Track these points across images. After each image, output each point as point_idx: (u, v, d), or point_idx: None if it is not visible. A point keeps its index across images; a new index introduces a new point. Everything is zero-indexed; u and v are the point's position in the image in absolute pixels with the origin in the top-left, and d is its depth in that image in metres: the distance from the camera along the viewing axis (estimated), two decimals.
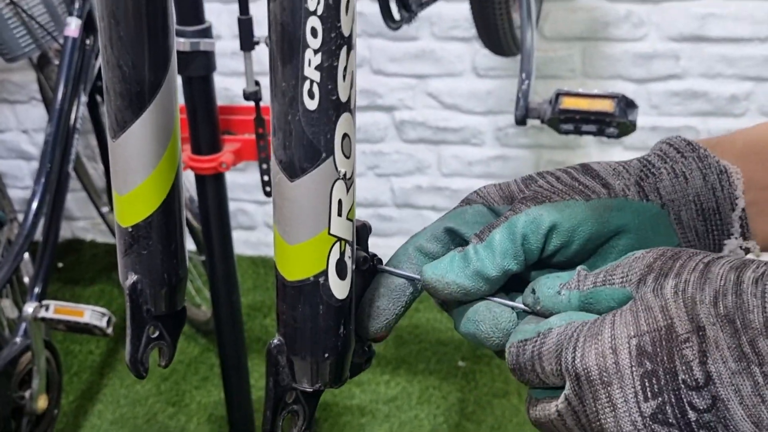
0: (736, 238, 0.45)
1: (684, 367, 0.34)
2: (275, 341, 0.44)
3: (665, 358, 0.35)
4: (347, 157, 0.40)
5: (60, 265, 2.41)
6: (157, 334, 0.48)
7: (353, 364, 0.47)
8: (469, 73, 2.12)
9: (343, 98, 0.39)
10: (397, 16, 1.30)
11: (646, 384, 0.35)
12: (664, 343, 0.35)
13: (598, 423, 0.36)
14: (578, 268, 0.41)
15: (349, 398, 1.88)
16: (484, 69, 2.10)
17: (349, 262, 0.42)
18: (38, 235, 1.58)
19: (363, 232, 0.46)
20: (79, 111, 1.62)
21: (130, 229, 0.45)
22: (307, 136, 0.39)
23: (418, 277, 0.45)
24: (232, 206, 2.16)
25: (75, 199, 2.42)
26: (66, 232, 2.53)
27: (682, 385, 0.34)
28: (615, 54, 2.05)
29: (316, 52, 0.38)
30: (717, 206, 0.44)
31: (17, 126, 2.40)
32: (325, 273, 0.42)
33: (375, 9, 2.03)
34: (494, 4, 1.30)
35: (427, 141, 2.21)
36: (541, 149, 2.17)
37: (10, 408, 1.43)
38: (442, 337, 2.07)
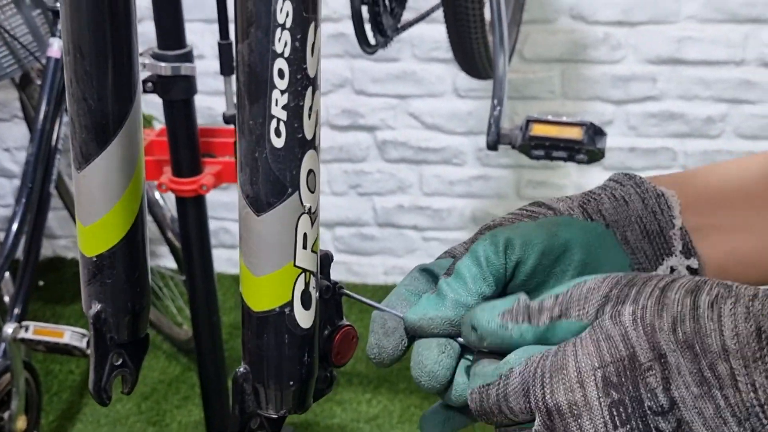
0: (676, 256, 0.46)
1: (649, 395, 0.36)
2: (241, 369, 0.46)
3: (630, 386, 0.36)
4: (312, 192, 0.41)
5: (41, 283, 2.40)
6: (120, 361, 0.49)
7: (316, 389, 0.48)
8: (450, 93, 2.14)
9: (309, 136, 0.40)
10: (372, 41, 1.32)
11: (614, 413, 0.36)
12: (628, 372, 0.36)
13: None
14: (518, 295, 0.41)
15: (330, 417, 1.88)
16: (464, 90, 2.12)
17: (313, 292, 0.43)
18: (18, 254, 1.58)
19: (325, 260, 0.47)
20: (61, 131, 1.63)
21: (94, 259, 0.46)
22: (274, 172, 0.41)
23: (377, 304, 0.45)
24: (214, 225, 2.16)
25: (56, 218, 2.42)
26: (47, 250, 2.52)
27: (648, 411, 0.36)
28: (594, 76, 2.08)
29: (282, 92, 0.39)
30: (660, 228, 0.46)
31: None
32: (290, 304, 0.43)
33: None
34: (470, 28, 1.32)
35: (408, 161, 2.22)
36: (522, 169, 2.19)
37: None
38: None
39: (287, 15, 0.38)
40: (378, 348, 0.45)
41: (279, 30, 0.38)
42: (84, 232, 0.46)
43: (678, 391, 0.35)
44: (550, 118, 1.20)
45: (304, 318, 0.44)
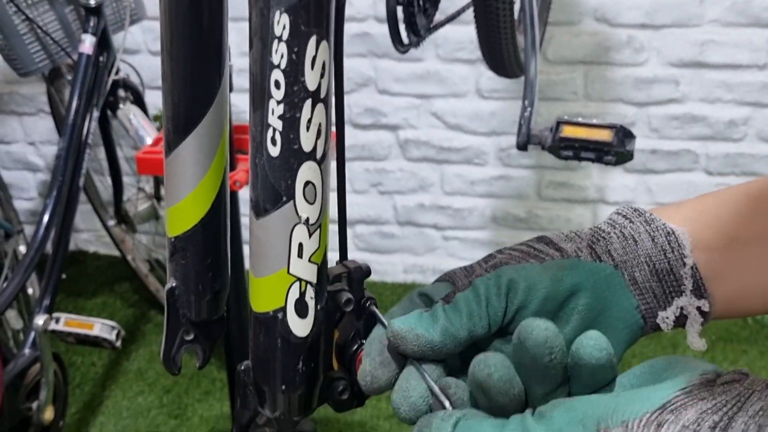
0: (687, 296, 0.44)
1: None
2: (244, 365, 0.47)
3: None
4: (310, 204, 0.42)
5: (63, 276, 2.42)
6: (191, 337, 0.50)
7: (341, 401, 0.48)
8: (472, 94, 2.15)
9: (306, 148, 0.41)
10: (406, 40, 1.33)
11: None
12: None
13: None
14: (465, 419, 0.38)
15: (350, 414, 1.90)
16: (487, 91, 2.13)
17: (311, 302, 0.43)
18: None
19: (357, 274, 0.47)
20: (91, 126, 1.64)
21: (173, 240, 0.48)
22: (270, 180, 0.41)
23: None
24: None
25: (79, 212, 2.43)
26: (69, 244, 2.54)
27: None
28: (616, 78, 2.08)
29: (279, 102, 0.40)
30: (670, 267, 0.44)
31: (24, 138, 2.43)
32: (283, 310, 0.43)
33: (381, 30, 2.07)
34: (500, 27, 1.33)
35: (430, 160, 2.24)
36: (543, 170, 2.20)
37: (17, 419, 1.44)
38: None
39: (284, 28, 0.39)
40: (371, 377, 0.43)
41: (276, 42, 0.39)
42: (168, 213, 0.48)
43: None
44: (580, 120, 1.21)
45: (299, 326, 0.44)
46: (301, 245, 0.42)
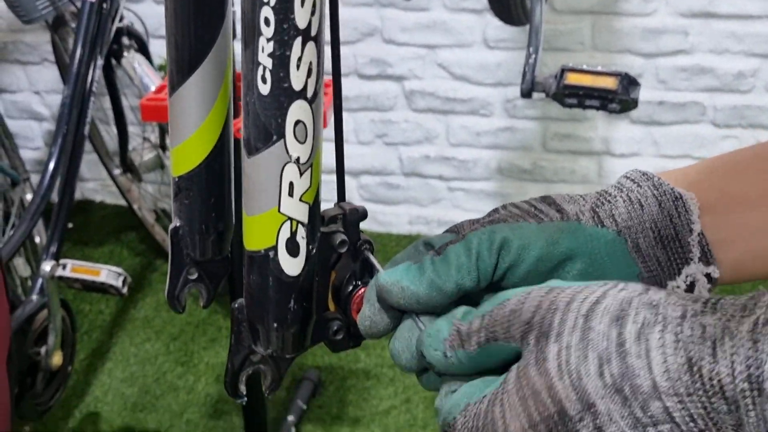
0: (695, 263, 0.44)
1: None
2: (238, 303, 0.47)
3: None
4: (301, 143, 0.42)
5: (70, 225, 2.44)
6: (195, 276, 0.51)
7: (337, 342, 0.49)
8: (479, 44, 2.13)
9: (297, 87, 0.41)
10: None
11: None
12: (559, 427, 0.35)
13: None
14: (455, 319, 0.40)
15: (355, 362, 1.92)
16: (494, 41, 2.11)
17: (302, 242, 0.44)
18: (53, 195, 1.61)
19: (353, 216, 0.47)
20: (95, 74, 1.64)
21: (177, 179, 0.48)
22: (260, 118, 0.41)
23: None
24: None
25: (85, 161, 2.44)
26: (76, 193, 2.56)
27: None
28: (624, 28, 2.06)
29: (268, 40, 0.40)
30: (675, 233, 0.44)
31: (29, 87, 2.42)
32: (274, 248, 0.43)
33: None
34: None
35: (436, 111, 2.23)
36: (549, 121, 2.19)
37: (26, 364, 1.47)
38: None
39: None
40: (371, 322, 0.44)
41: None
42: (172, 153, 0.48)
43: None
44: (584, 67, 1.21)
45: (290, 265, 0.44)
46: (291, 184, 0.42)
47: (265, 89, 0.41)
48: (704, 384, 0.32)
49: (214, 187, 0.49)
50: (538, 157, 2.24)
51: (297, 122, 0.41)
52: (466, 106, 2.21)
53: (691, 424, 0.32)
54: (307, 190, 0.43)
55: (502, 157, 2.26)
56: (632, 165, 2.20)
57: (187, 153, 0.48)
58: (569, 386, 0.35)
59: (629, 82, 1.19)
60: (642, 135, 2.17)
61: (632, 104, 1.22)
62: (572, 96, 1.22)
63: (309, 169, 0.43)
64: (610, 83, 1.18)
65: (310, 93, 0.41)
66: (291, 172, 0.42)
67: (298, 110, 0.41)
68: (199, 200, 0.49)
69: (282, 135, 0.41)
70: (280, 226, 0.43)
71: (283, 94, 0.41)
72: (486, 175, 2.29)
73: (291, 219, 0.43)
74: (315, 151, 0.43)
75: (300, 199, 0.43)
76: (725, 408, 0.31)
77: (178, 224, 0.50)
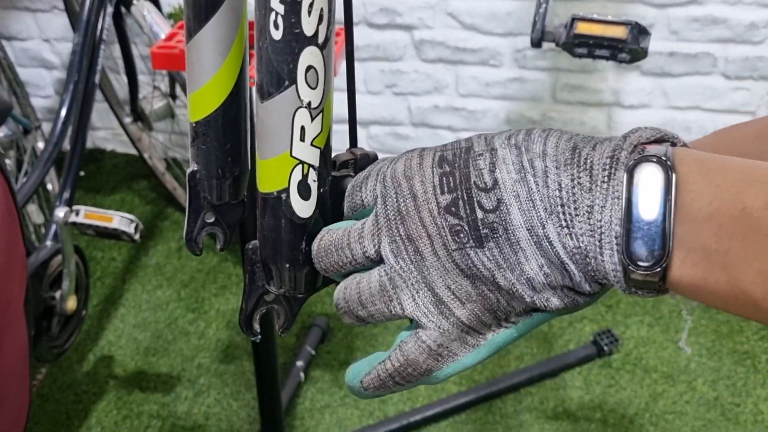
0: None
1: (476, 172, 0.41)
2: (251, 244, 0.49)
3: (462, 164, 0.42)
4: (312, 88, 0.43)
5: (82, 173, 2.46)
6: (212, 219, 0.53)
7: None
8: None
9: (308, 32, 0.42)
10: None
11: (444, 181, 0.42)
12: (462, 154, 0.42)
13: (399, 217, 0.43)
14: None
15: None
16: None
17: (313, 185, 0.45)
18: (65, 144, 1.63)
19: (363, 161, 0.49)
20: (105, 22, 1.64)
21: (194, 125, 0.50)
22: (273, 63, 0.42)
23: None
24: None
25: (96, 110, 2.45)
26: (87, 141, 2.57)
27: (474, 186, 0.41)
28: None
29: None
30: None
31: (39, 35, 2.42)
32: (287, 191, 0.45)
33: None
34: None
35: (445, 61, 2.22)
36: (559, 72, 2.19)
37: (42, 307, 1.50)
38: None
39: None
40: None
41: None
42: (189, 99, 0.49)
43: (500, 174, 0.41)
44: (595, 16, 1.20)
45: (302, 207, 0.46)
46: (303, 128, 0.44)
47: (277, 35, 0.42)
48: (579, 161, 0.39)
49: (231, 132, 0.51)
50: (548, 108, 2.24)
51: (308, 68, 0.42)
52: (475, 56, 2.20)
53: (557, 192, 0.39)
54: (318, 134, 0.44)
55: (511, 108, 2.26)
56: (642, 117, 2.19)
57: (204, 99, 0.49)
58: (482, 138, 0.43)
59: (639, 31, 1.19)
60: (652, 86, 2.16)
61: (642, 54, 1.22)
62: (582, 45, 1.22)
63: (320, 115, 0.44)
64: (620, 32, 1.18)
65: (321, 39, 0.42)
66: (302, 117, 0.43)
67: (309, 56, 0.42)
68: (215, 145, 0.50)
69: (294, 80, 0.42)
70: (292, 169, 0.44)
71: (295, 39, 0.42)
72: (495, 125, 2.29)
73: (302, 162, 0.44)
74: (326, 96, 0.44)
75: (311, 144, 0.44)
76: (588, 183, 0.39)
77: (195, 168, 0.51)
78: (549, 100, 2.23)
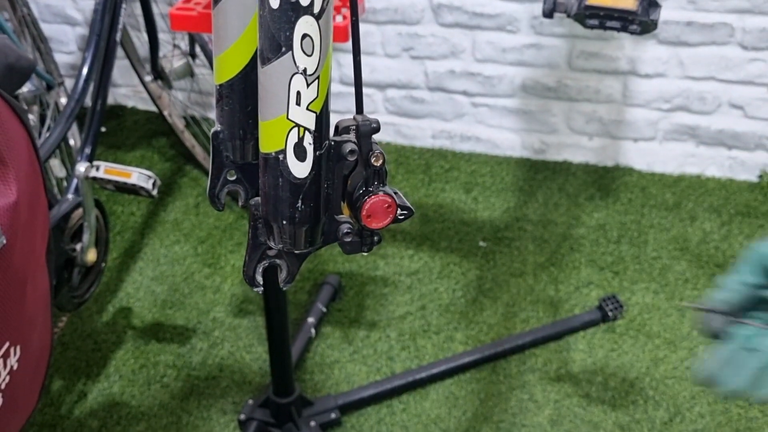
0: None
1: None
2: (254, 201, 0.52)
3: None
4: (308, 55, 0.45)
5: (103, 129, 2.50)
6: (234, 178, 0.56)
7: (348, 244, 0.53)
8: None
9: (304, 2, 0.44)
10: None
11: None
12: None
13: None
14: None
15: (374, 269, 2.00)
16: None
17: (309, 147, 0.48)
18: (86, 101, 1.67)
19: (365, 127, 0.51)
20: None
21: (218, 87, 0.53)
22: (271, 31, 0.45)
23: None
24: None
25: (117, 67, 2.48)
26: (108, 98, 2.61)
27: None
28: None
29: None
30: None
31: None
32: (283, 152, 0.48)
33: None
34: None
35: (462, 26, 2.23)
36: (575, 39, 2.19)
37: (63, 259, 1.55)
38: (465, 218, 2.16)
39: None
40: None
41: None
42: (215, 62, 0.53)
43: None
44: None
45: (298, 168, 0.49)
46: (299, 93, 0.46)
47: (275, 3, 0.44)
48: None
49: (252, 95, 0.53)
50: (563, 75, 2.25)
51: (304, 36, 0.45)
52: (493, 22, 2.21)
53: None
54: (314, 99, 0.47)
55: (527, 74, 2.27)
56: (657, 86, 2.20)
57: (228, 62, 0.52)
58: None
59: (649, 3, 1.21)
60: (669, 56, 2.16)
61: (652, 26, 1.24)
62: (593, 17, 1.24)
63: (316, 81, 0.47)
64: (630, 4, 1.20)
65: (317, 9, 0.45)
66: (298, 82, 0.46)
67: (305, 25, 0.45)
68: (238, 107, 0.53)
69: (290, 47, 0.45)
70: (288, 132, 0.47)
71: (291, 8, 0.44)
72: (510, 91, 2.31)
73: (298, 125, 0.47)
74: (322, 64, 0.47)
75: (307, 108, 0.47)
76: None
77: (218, 129, 0.54)
78: (565, 67, 2.24)
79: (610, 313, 1.85)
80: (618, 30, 1.26)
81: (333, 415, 1.64)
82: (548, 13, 1.27)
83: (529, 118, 2.34)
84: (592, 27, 1.25)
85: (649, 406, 1.67)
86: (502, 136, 2.39)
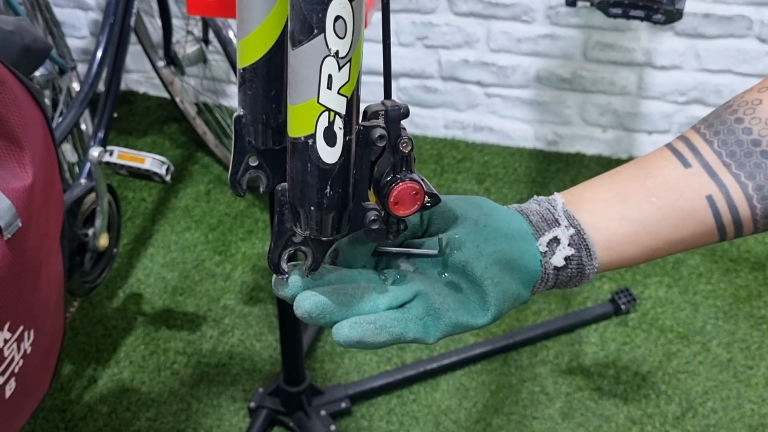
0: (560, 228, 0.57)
1: None
2: (281, 186, 0.51)
3: None
4: (341, 38, 0.44)
5: (115, 115, 2.50)
6: (256, 163, 0.55)
7: (374, 231, 0.53)
8: None
9: None
10: None
11: None
12: None
13: None
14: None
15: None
16: None
17: (339, 132, 0.47)
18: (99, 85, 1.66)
19: (394, 113, 0.50)
20: None
21: (241, 71, 0.52)
22: (303, 12, 0.44)
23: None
24: None
25: (130, 53, 2.48)
26: (121, 83, 2.60)
27: None
28: None
29: None
30: (551, 215, 0.59)
31: None
32: (313, 136, 0.47)
33: None
34: None
35: (477, 15, 2.22)
36: (591, 30, 2.18)
37: (75, 243, 1.55)
38: None
39: None
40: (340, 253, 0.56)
41: None
42: (239, 45, 0.51)
43: None
44: None
45: (327, 153, 0.48)
46: (330, 77, 0.45)
47: None
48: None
49: (275, 80, 0.52)
50: (578, 66, 2.24)
51: (337, 18, 0.44)
52: (508, 12, 2.19)
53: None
54: (345, 83, 0.46)
55: (541, 65, 2.25)
56: (673, 78, 2.18)
57: (252, 46, 0.51)
58: None
59: None
60: (685, 48, 2.15)
61: (677, 15, 1.22)
62: (617, 5, 1.22)
63: (348, 64, 0.46)
64: None
65: None
66: (330, 66, 0.45)
67: (338, 6, 0.44)
68: (261, 91, 0.52)
69: (322, 29, 0.44)
70: (319, 116, 0.47)
71: None
72: (524, 82, 2.29)
73: (329, 110, 0.47)
74: (354, 47, 0.46)
75: (338, 92, 0.46)
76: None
77: (241, 113, 0.53)
78: (580, 58, 2.22)
79: (622, 306, 1.84)
80: (642, 19, 1.24)
81: (343, 405, 1.63)
82: (572, 2, 1.26)
83: (543, 109, 2.33)
84: (615, 16, 1.23)
85: (662, 400, 1.66)
86: (515, 127, 2.38)
